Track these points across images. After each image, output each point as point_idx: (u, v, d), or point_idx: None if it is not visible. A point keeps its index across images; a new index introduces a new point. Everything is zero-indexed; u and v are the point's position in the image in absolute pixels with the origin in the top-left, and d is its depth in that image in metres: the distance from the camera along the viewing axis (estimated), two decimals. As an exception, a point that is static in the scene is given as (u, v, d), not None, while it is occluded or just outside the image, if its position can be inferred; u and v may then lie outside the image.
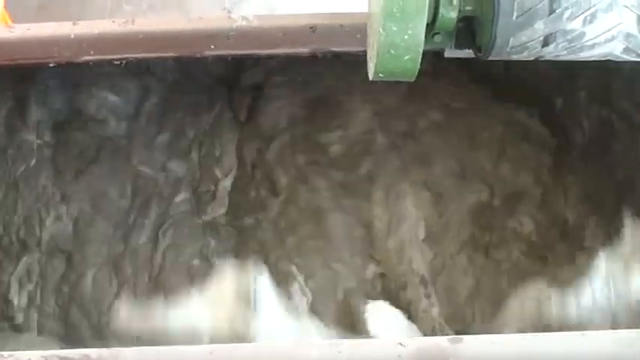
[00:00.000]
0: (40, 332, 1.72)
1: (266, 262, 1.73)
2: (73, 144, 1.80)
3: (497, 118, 1.80)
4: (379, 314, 1.60)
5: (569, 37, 1.08)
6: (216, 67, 1.74)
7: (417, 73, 1.09)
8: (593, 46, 1.10)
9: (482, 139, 1.80)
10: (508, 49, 1.11)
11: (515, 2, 1.06)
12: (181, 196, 1.81)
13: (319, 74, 1.76)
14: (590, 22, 1.07)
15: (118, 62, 1.31)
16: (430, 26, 1.12)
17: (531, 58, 1.14)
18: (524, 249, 1.73)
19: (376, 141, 1.80)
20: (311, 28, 1.31)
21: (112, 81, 1.76)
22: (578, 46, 1.10)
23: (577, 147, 1.77)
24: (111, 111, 1.79)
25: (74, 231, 1.78)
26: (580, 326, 1.59)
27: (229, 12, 1.33)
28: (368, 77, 1.10)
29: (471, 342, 1.00)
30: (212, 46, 1.30)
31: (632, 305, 1.60)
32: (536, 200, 1.77)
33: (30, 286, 1.74)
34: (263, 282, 1.66)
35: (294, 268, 1.73)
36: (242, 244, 1.77)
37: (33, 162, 1.77)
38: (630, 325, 1.55)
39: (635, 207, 1.63)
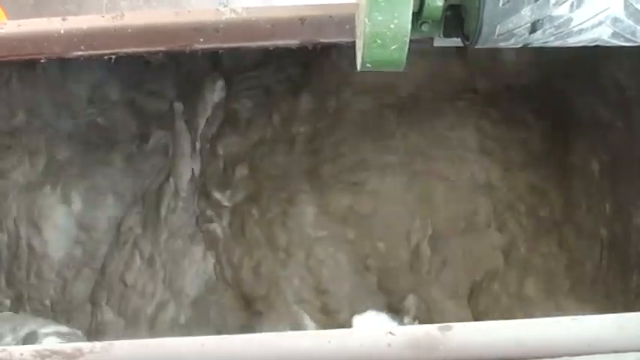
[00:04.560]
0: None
1: None
2: None
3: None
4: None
5: (556, 23, 1.08)
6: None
7: (404, 63, 1.09)
8: (580, 32, 1.09)
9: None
10: (495, 37, 1.11)
11: (501, -11, 1.05)
12: None
13: None
14: (578, 7, 1.06)
15: (109, 57, 1.31)
16: (417, 15, 1.12)
17: (519, 46, 1.13)
18: None
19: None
20: (300, 19, 1.30)
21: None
22: (566, 32, 1.09)
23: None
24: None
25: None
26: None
27: (225, 7, 1.32)
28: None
29: (461, 329, 1.00)
30: (201, 39, 1.30)
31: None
32: None
33: None
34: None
35: None
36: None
37: None
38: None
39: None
